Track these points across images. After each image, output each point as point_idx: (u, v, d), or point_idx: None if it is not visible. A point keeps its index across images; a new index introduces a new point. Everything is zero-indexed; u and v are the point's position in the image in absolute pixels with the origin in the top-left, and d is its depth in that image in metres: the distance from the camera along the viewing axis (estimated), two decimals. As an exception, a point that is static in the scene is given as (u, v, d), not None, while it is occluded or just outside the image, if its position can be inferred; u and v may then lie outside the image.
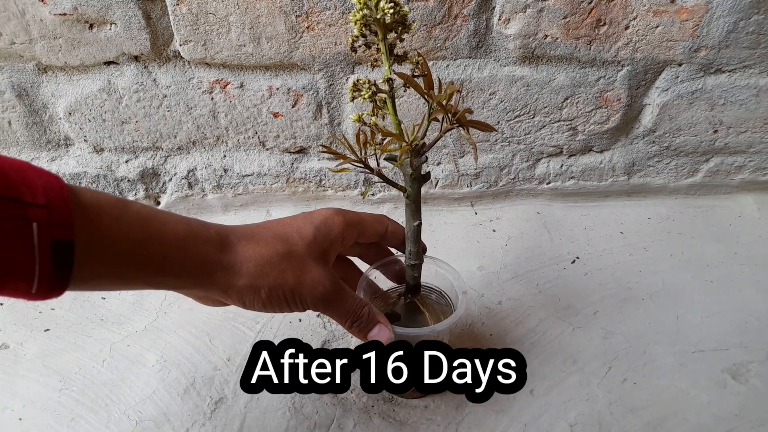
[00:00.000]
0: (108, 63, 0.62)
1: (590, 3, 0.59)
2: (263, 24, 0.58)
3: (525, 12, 0.59)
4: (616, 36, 0.61)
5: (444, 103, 0.34)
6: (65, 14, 0.57)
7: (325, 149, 0.37)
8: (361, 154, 0.37)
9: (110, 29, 0.58)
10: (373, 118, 0.38)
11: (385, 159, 0.39)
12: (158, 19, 0.58)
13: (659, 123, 0.69)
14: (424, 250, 0.46)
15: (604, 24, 0.60)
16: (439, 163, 0.72)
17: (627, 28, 0.61)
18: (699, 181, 0.76)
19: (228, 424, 0.48)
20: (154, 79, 0.63)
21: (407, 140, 0.37)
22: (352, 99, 0.37)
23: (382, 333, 0.40)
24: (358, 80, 0.37)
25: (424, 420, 0.48)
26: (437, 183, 0.74)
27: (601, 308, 0.60)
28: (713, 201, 0.78)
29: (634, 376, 0.52)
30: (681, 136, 0.71)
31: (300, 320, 0.59)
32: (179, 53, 0.61)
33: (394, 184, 0.41)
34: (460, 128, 0.35)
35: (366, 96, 0.36)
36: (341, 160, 0.37)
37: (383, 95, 0.37)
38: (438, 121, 0.36)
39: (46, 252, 0.25)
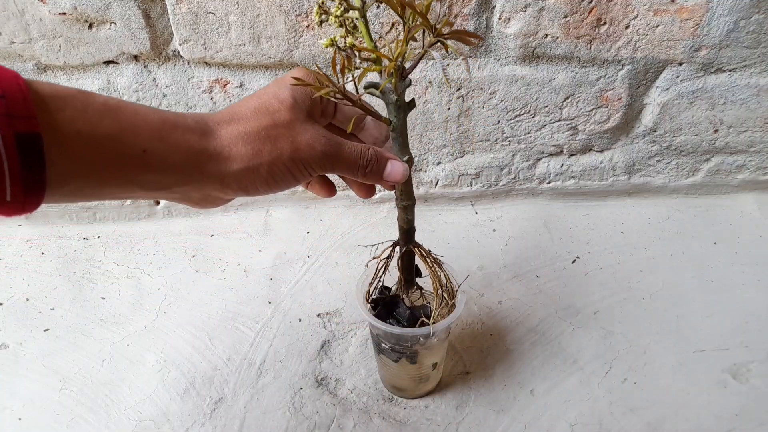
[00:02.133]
0: (107, 62, 0.62)
1: (590, 2, 0.59)
2: (263, 23, 0.58)
3: (525, 11, 0.59)
4: (617, 35, 0.61)
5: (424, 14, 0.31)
6: (65, 14, 0.57)
7: (297, 82, 0.34)
8: (339, 82, 0.34)
9: (110, 28, 0.58)
10: (349, 39, 0.35)
11: (365, 88, 0.36)
12: (158, 18, 0.58)
13: (660, 122, 0.69)
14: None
15: (605, 23, 0.60)
16: (439, 163, 0.72)
17: (627, 27, 0.61)
18: (699, 180, 0.76)
19: (228, 424, 0.48)
20: (154, 79, 0.63)
21: (391, 58, 0.34)
22: (320, 24, 0.35)
23: (396, 169, 0.38)
24: (323, 2, 0.34)
25: (424, 420, 0.48)
26: (437, 183, 0.74)
27: (602, 308, 0.60)
28: (714, 200, 0.77)
29: (635, 376, 0.52)
30: (681, 136, 0.71)
31: (300, 320, 0.59)
32: (179, 52, 0.61)
33: (378, 116, 0.38)
34: (444, 42, 0.33)
35: (337, 14, 0.34)
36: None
37: (354, 14, 0.34)
38: (415, 40, 0.34)
39: (12, 148, 0.23)
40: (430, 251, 0.45)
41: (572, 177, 0.75)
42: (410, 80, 0.36)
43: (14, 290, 0.64)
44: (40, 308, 0.61)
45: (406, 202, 0.42)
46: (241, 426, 0.48)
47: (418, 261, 0.46)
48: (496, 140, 0.70)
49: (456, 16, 0.59)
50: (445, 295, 0.45)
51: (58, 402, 0.51)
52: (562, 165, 0.74)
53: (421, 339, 0.44)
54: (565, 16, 0.59)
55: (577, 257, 0.67)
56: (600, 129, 0.70)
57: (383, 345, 0.46)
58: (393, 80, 0.35)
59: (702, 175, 0.76)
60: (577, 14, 0.59)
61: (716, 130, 0.71)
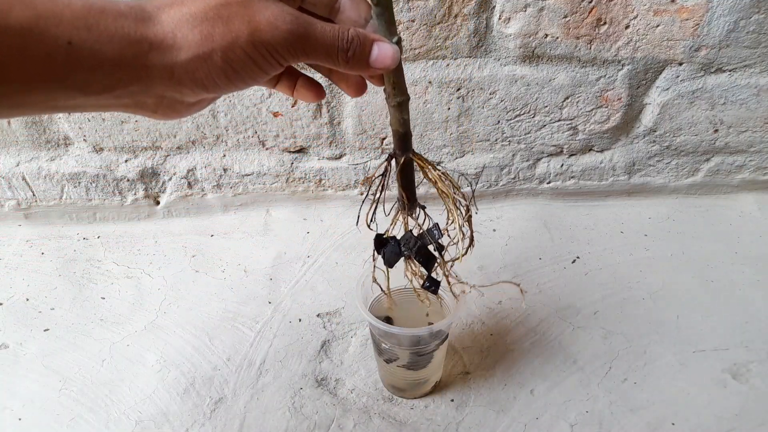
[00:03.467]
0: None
1: (590, 2, 0.59)
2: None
3: (525, 11, 0.59)
4: (617, 35, 0.61)
5: None
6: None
7: None
8: None
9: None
10: None
11: None
12: None
13: (660, 122, 0.69)
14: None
15: (605, 23, 0.60)
16: (439, 163, 0.72)
17: (627, 27, 0.61)
18: (699, 180, 0.76)
19: (228, 424, 0.48)
20: None
21: None
22: None
23: (384, 52, 0.31)
24: None
25: (424, 420, 0.48)
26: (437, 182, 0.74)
27: (602, 308, 0.60)
28: (714, 200, 0.77)
29: (635, 376, 0.52)
30: (681, 136, 0.71)
31: (300, 320, 0.59)
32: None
33: None
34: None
35: None
36: None
37: None
38: None
39: None
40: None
41: (572, 177, 0.75)
42: None
43: (14, 290, 0.64)
44: (40, 308, 0.61)
45: (400, 97, 0.36)
46: (241, 426, 0.48)
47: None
48: (496, 140, 0.70)
49: (456, 16, 0.59)
50: (458, 204, 0.39)
51: (58, 402, 0.51)
52: (562, 165, 0.74)
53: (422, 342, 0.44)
54: (565, 16, 0.59)
55: (577, 257, 0.67)
56: (600, 129, 0.70)
57: (383, 345, 0.46)
58: None
59: (702, 175, 0.76)
60: (577, 14, 0.59)
61: (716, 130, 0.71)
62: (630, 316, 0.59)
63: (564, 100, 0.66)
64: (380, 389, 0.51)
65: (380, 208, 0.41)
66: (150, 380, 0.52)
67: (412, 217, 0.41)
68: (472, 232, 0.40)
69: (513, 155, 0.72)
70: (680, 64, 0.64)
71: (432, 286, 0.42)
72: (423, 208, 0.41)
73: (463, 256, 0.40)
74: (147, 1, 0.27)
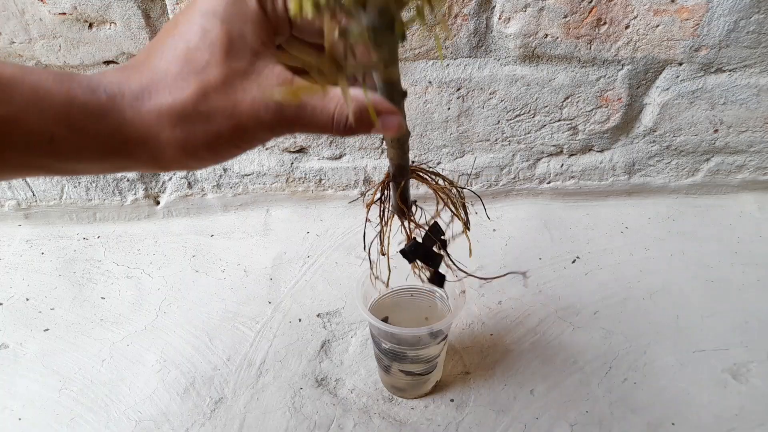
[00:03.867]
0: (107, 62, 0.62)
1: (590, 2, 0.59)
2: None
3: (525, 11, 0.59)
4: (617, 35, 0.61)
5: None
6: (65, 13, 0.57)
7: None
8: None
9: (110, 28, 0.58)
10: None
11: None
12: (158, 18, 0.58)
13: (660, 122, 0.69)
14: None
15: (605, 23, 0.60)
16: (439, 163, 0.72)
17: (627, 27, 0.61)
18: (699, 180, 0.76)
19: (228, 424, 0.48)
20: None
21: None
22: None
23: (388, 123, 0.28)
24: None
25: (424, 420, 0.48)
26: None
27: (602, 308, 0.60)
28: (714, 200, 0.77)
29: (634, 376, 0.52)
30: (681, 136, 0.71)
31: (300, 320, 0.59)
32: (179, 52, 0.61)
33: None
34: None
35: None
36: None
37: None
38: None
39: None
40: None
41: (572, 177, 0.75)
42: None
43: (14, 290, 0.64)
44: (40, 308, 0.61)
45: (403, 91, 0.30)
46: (241, 426, 0.48)
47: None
48: (496, 140, 0.70)
49: (456, 16, 0.59)
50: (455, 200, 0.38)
51: (58, 402, 0.51)
52: (562, 165, 0.74)
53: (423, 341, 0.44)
54: (565, 16, 0.59)
55: (577, 257, 0.67)
56: (600, 129, 0.70)
57: (383, 345, 0.46)
58: None
59: (702, 175, 0.76)
60: (577, 14, 0.59)
61: (716, 130, 0.71)
62: (630, 316, 0.59)
63: (564, 100, 0.66)
64: (380, 389, 0.51)
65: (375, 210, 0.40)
66: (150, 380, 0.52)
67: (412, 221, 0.40)
68: (467, 214, 0.40)
69: (513, 155, 0.72)
70: (680, 64, 0.64)
71: (438, 280, 0.42)
72: (415, 203, 0.40)
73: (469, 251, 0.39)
74: (122, 83, 0.26)
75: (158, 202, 0.75)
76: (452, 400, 0.50)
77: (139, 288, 0.64)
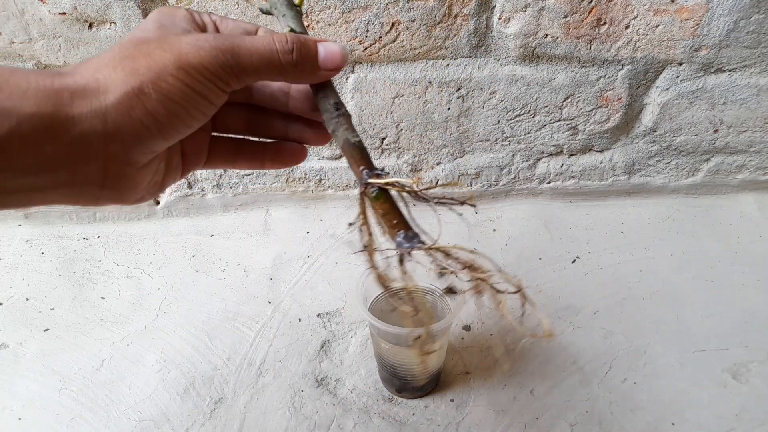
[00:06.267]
0: (107, 62, 0.62)
1: (590, 2, 0.59)
2: (263, 23, 0.58)
3: (525, 11, 0.59)
4: (617, 35, 0.61)
5: None
6: (64, 13, 0.57)
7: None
8: None
9: (110, 28, 0.58)
10: None
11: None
12: (158, 18, 0.58)
13: (660, 122, 0.69)
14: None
15: (605, 23, 0.60)
16: (439, 163, 0.72)
17: (627, 27, 0.61)
18: (699, 180, 0.76)
19: (228, 424, 0.48)
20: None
21: None
22: None
23: (331, 50, 0.28)
24: None
25: (424, 420, 0.48)
26: (437, 182, 0.74)
27: (602, 308, 0.60)
28: (713, 200, 0.77)
29: (634, 376, 0.52)
30: (681, 136, 0.71)
31: (300, 320, 0.59)
32: (179, 52, 0.61)
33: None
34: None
35: None
36: None
37: None
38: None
39: None
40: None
41: (572, 177, 0.75)
42: None
43: (14, 290, 0.64)
44: (40, 308, 0.61)
45: (339, 110, 0.31)
46: (241, 426, 0.48)
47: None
48: (496, 140, 0.70)
49: (456, 16, 0.59)
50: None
51: (58, 402, 0.51)
52: (562, 165, 0.74)
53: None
54: (565, 16, 0.59)
55: (577, 257, 0.67)
56: (600, 129, 0.70)
57: (383, 345, 0.46)
58: None
59: (702, 175, 0.76)
60: (577, 14, 0.59)
61: (716, 130, 0.71)
62: (630, 316, 0.59)
63: (564, 100, 0.66)
64: (380, 389, 0.51)
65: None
66: (150, 380, 0.52)
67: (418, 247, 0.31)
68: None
69: (513, 155, 0.72)
70: (680, 64, 0.64)
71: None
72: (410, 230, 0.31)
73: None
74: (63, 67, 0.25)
75: (158, 202, 0.75)
76: (452, 400, 0.50)
77: (139, 288, 0.64)
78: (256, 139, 0.35)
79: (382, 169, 0.30)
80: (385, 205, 0.29)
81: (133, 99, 0.23)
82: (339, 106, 0.31)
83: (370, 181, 0.29)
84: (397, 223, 0.29)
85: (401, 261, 0.29)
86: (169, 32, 0.26)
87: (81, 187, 0.24)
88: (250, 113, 0.34)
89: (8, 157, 0.21)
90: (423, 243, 0.31)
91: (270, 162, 0.35)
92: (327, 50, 0.28)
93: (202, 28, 0.29)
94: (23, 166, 0.22)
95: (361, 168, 0.30)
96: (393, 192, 0.30)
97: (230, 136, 0.35)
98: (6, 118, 0.20)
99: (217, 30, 0.30)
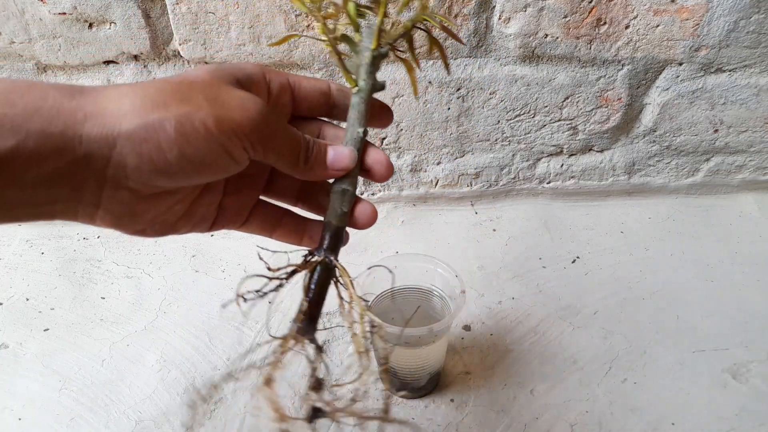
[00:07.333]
0: (107, 62, 0.62)
1: (590, 2, 0.59)
2: (263, 23, 0.58)
3: (525, 11, 0.59)
4: (617, 35, 0.61)
5: None
6: (64, 13, 0.57)
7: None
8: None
9: (110, 28, 0.58)
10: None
11: (341, 37, 0.31)
12: (158, 18, 0.58)
13: (660, 122, 0.69)
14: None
15: (605, 23, 0.60)
16: (438, 163, 0.72)
17: (627, 27, 0.61)
18: (699, 180, 0.76)
19: (228, 424, 0.48)
20: (154, 79, 0.63)
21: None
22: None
23: (340, 153, 0.30)
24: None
25: (424, 420, 0.48)
26: (437, 183, 0.74)
27: (602, 308, 0.60)
28: (714, 200, 0.77)
29: (634, 376, 0.52)
30: (681, 136, 0.71)
31: (300, 320, 0.59)
32: (179, 52, 0.61)
33: (346, 71, 0.32)
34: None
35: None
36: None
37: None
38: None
39: None
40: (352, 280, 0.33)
41: (572, 177, 0.75)
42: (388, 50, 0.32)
43: (14, 290, 0.64)
44: (40, 308, 0.61)
45: (347, 184, 0.31)
46: (241, 426, 0.48)
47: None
48: (496, 140, 0.70)
49: (456, 16, 0.59)
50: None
51: (58, 402, 0.51)
52: (562, 165, 0.74)
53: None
54: (565, 16, 0.59)
55: (577, 257, 0.67)
56: (600, 129, 0.70)
57: (381, 344, 0.46)
58: (375, 26, 0.30)
59: (702, 175, 0.76)
60: (577, 14, 0.59)
61: (716, 130, 0.71)
62: (630, 316, 0.59)
63: (564, 100, 0.66)
64: (380, 389, 0.51)
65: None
66: (150, 380, 0.52)
67: (305, 344, 0.32)
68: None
69: (513, 155, 0.72)
70: (680, 64, 0.64)
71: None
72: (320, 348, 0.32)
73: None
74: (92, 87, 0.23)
75: (158, 202, 0.75)
76: (452, 400, 0.50)
77: (139, 288, 0.64)
78: (299, 212, 0.35)
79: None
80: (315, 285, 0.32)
81: (148, 131, 0.22)
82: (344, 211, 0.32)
83: (334, 260, 0.33)
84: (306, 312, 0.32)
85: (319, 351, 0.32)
86: (222, 79, 0.26)
87: (77, 204, 0.24)
88: (304, 184, 0.34)
89: (11, 172, 0.21)
90: (314, 340, 0.33)
91: (308, 240, 0.35)
92: (335, 153, 0.30)
93: (260, 88, 0.29)
94: (24, 181, 0.21)
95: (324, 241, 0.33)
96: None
97: (277, 203, 0.35)
98: (15, 133, 0.20)
99: (291, 90, 0.31)
